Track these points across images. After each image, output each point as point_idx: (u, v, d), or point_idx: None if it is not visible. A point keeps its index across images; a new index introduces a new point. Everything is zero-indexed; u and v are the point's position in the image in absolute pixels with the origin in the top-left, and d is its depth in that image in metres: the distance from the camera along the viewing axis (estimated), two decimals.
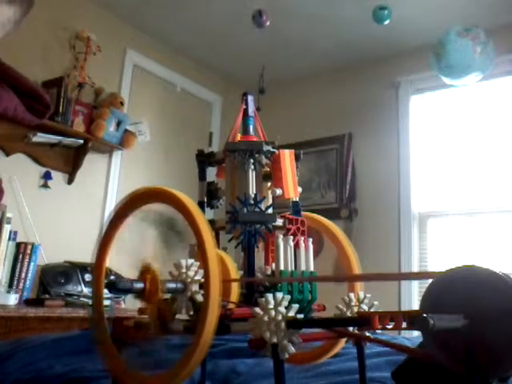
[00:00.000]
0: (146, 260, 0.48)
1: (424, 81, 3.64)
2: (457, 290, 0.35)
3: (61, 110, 2.98)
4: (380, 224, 3.62)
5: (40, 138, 2.91)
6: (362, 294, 0.72)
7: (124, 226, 0.50)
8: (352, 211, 3.74)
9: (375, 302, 0.68)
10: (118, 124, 3.26)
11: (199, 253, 0.46)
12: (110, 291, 0.47)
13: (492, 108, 3.42)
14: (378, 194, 3.69)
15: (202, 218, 0.47)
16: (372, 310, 0.70)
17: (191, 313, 0.47)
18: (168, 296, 0.49)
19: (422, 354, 0.40)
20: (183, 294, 0.47)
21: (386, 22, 2.93)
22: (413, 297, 3.40)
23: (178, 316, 0.48)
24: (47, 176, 3.07)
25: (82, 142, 3.08)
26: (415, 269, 3.46)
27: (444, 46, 2.97)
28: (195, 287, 0.47)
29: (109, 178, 3.44)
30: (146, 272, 0.46)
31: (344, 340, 0.71)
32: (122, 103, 3.35)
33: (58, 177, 3.13)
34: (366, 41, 3.67)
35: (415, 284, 3.43)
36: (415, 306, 3.34)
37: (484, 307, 0.34)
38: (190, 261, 0.48)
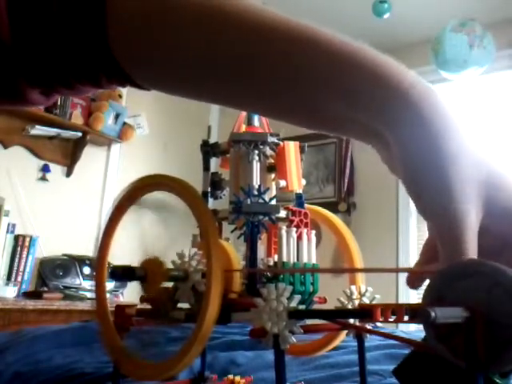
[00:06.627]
0: (148, 248, 0.48)
1: (423, 75, 3.55)
2: (459, 283, 0.35)
3: (59, 103, 2.96)
4: (378, 218, 3.63)
5: (38, 130, 2.90)
6: (363, 288, 0.72)
7: (128, 213, 0.50)
8: (350, 205, 3.74)
9: (377, 296, 0.67)
10: (117, 117, 3.25)
11: (202, 241, 0.45)
12: (112, 276, 0.47)
13: (493, 102, 3.42)
14: (377, 188, 3.68)
15: (205, 208, 0.46)
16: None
17: (193, 302, 0.47)
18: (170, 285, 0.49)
19: (423, 346, 0.40)
20: (185, 283, 0.47)
21: (386, 16, 2.92)
22: (410, 290, 3.40)
23: (179, 305, 0.48)
24: (45, 169, 3.06)
25: (80, 134, 3.07)
26: (413, 263, 3.46)
27: (440, 42, 2.97)
28: (197, 276, 0.47)
29: (107, 171, 3.43)
30: (148, 260, 0.46)
31: (344, 333, 0.71)
32: (120, 96, 3.34)
33: (56, 169, 3.12)
34: (366, 34, 3.62)
35: None
36: (412, 299, 3.35)
37: (486, 301, 0.34)
38: (193, 250, 0.48)
